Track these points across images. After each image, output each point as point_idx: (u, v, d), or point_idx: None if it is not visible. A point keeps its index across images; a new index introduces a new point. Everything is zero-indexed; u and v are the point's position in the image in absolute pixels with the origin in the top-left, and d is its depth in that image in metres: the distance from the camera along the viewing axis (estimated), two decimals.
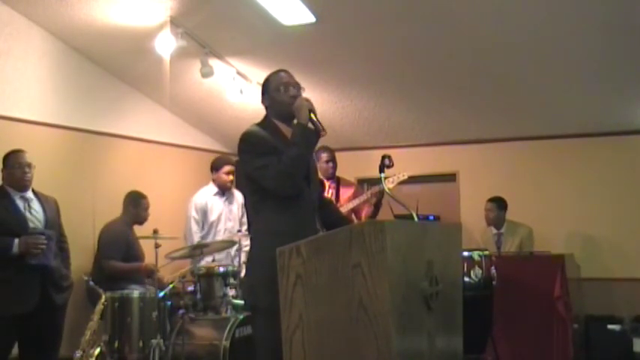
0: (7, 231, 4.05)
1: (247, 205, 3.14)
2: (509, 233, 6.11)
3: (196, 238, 5.52)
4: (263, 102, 3.11)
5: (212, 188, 5.68)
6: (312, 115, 2.90)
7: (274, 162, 2.86)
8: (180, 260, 5.09)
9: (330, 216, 3.19)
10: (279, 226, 2.87)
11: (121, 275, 5.13)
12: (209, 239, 5.52)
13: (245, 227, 5.72)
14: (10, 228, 4.07)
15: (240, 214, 5.75)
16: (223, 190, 5.65)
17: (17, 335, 4.14)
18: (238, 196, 5.74)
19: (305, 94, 3.09)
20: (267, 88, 3.09)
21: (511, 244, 6.06)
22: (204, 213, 5.60)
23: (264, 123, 3.08)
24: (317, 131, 2.91)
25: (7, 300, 4.01)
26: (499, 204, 6.14)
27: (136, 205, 5.44)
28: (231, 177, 5.62)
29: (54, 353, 4.31)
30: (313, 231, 2.91)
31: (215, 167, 5.66)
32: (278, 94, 3.02)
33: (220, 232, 5.59)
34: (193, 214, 5.61)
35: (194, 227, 5.58)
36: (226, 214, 5.66)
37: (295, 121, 2.93)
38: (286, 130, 3.04)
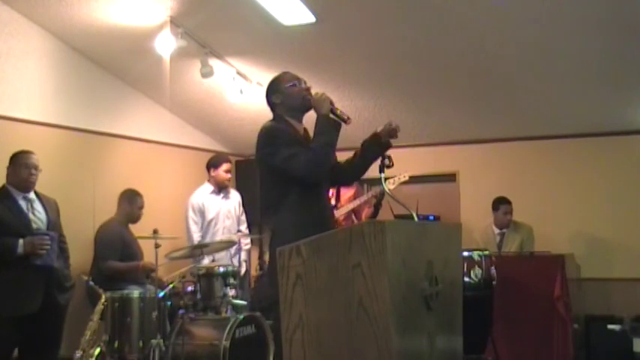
0: (10, 231, 4.05)
1: (263, 203, 3.16)
2: (511, 232, 6.11)
3: (196, 238, 5.54)
4: (272, 100, 3.16)
5: (207, 187, 5.69)
6: (333, 107, 3.02)
7: (303, 151, 2.93)
8: (181, 260, 5.09)
9: (345, 172, 3.25)
10: (301, 219, 2.93)
11: (119, 275, 5.12)
12: (207, 238, 5.53)
13: (244, 226, 5.72)
14: (14, 228, 4.07)
15: (239, 212, 5.74)
16: (220, 188, 5.66)
17: (20, 335, 4.14)
18: (235, 195, 5.75)
19: None
20: (277, 85, 3.16)
21: (512, 244, 6.05)
22: (201, 213, 5.62)
23: (276, 120, 3.14)
24: (341, 120, 3.02)
25: (12, 301, 4.01)
26: (510, 202, 6.11)
27: (131, 202, 5.42)
28: (229, 175, 5.63)
29: (54, 353, 4.32)
30: (331, 227, 2.97)
31: (213, 165, 5.67)
32: (293, 88, 3.11)
33: (219, 231, 5.59)
34: (191, 214, 5.63)
35: (192, 227, 5.60)
36: (224, 213, 5.66)
37: (317, 115, 3.02)
38: (298, 126, 3.12)
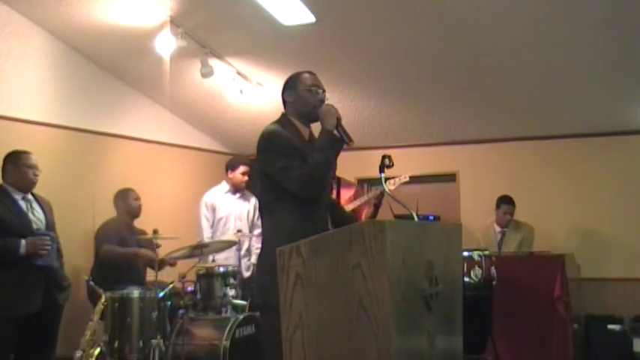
0: (11, 232, 4.05)
1: (260, 205, 3.16)
2: (512, 232, 6.11)
3: (206, 235, 5.55)
4: (285, 96, 3.12)
5: (224, 187, 5.72)
6: (340, 124, 2.95)
7: (297, 164, 2.89)
8: (185, 261, 5.07)
9: (336, 215, 3.21)
10: (291, 225, 2.89)
11: (117, 261, 5.07)
12: (216, 237, 5.53)
13: (258, 231, 5.69)
14: (15, 229, 4.07)
15: (254, 216, 5.73)
16: (236, 190, 5.67)
17: (20, 335, 4.13)
18: (253, 198, 5.73)
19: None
20: (294, 84, 3.10)
21: (512, 243, 6.05)
22: (213, 210, 5.65)
23: (282, 121, 3.09)
24: (343, 140, 2.96)
25: (13, 301, 4.01)
26: (513, 203, 6.11)
27: (124, 197, 5.41)
28: (246, 177, 5.64)
29: (51, 353, 4.32)
30: (325, 231, 2.90)
31: (231, 167, 5.69)
32: (308, 94, 3.05)
33: (229, 231, 5.59)
34: (203, 211, 5.67)
35: (204, 224, 5.64)
36: (236, 214, 5.66)
37: (321, 127, 2.97)
38: (303, 129, 3.08)
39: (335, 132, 2.96)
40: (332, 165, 3.04)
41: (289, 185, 2.90)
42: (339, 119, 2.96)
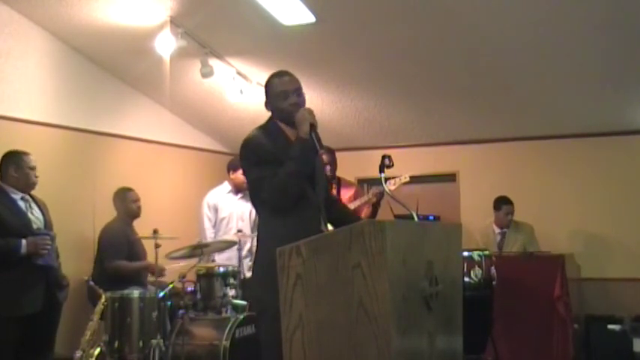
0: (11, 232, 4.05)
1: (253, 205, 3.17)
2: (512, 232, 6.10)
3: (209, 235, 5.56)
4: (266, 106, 3.10)
5: (226, 187, 5.72)
6: (314, 129, 2.88)
7: (270, 174, 2.85)
8: (185, 261, 5.07)
9: (337, 214, 3.19)
10: (281, 229, 2.86)
11: (127, 275, 5.10)
12: (218, 237, 5.54)
13: None
14: (15, 229, 4.07)
15: (256, 217, 5.73)
16: (237, 190, 5.67)
17: (21, 335, 4.13)
18: None
19: (305, 94, 3.07)
20: (268, 91, 3.07)
21: (513, 244, 6.04)
22: (215, 211, 5.65)
23: (268, 125, 3.07)
24: (315, 148, 2.88)
25: (15, 301, 4.01)
26: (512, 203, 6.11)
27: (122, 199, 5.41)
28: None
29: (50, 353, 4.33)
30: (317, 232, 2.86)
31: (233, 167, 5.67)
32: (278, 101, 3.00)
33: (231, 231, 5.59)
34: (205, 211, 5.67)
35: (206, 224, 5.64)
36: (238, 214, 5.66)
37: (296, 134, 2.92)
38: (290, 132, 3.00)
39: (310, 137, 2.87)
40: (303, 175, 2.93)
41: (262, 196, 2.90)
42: (312, 125, 2.88)
